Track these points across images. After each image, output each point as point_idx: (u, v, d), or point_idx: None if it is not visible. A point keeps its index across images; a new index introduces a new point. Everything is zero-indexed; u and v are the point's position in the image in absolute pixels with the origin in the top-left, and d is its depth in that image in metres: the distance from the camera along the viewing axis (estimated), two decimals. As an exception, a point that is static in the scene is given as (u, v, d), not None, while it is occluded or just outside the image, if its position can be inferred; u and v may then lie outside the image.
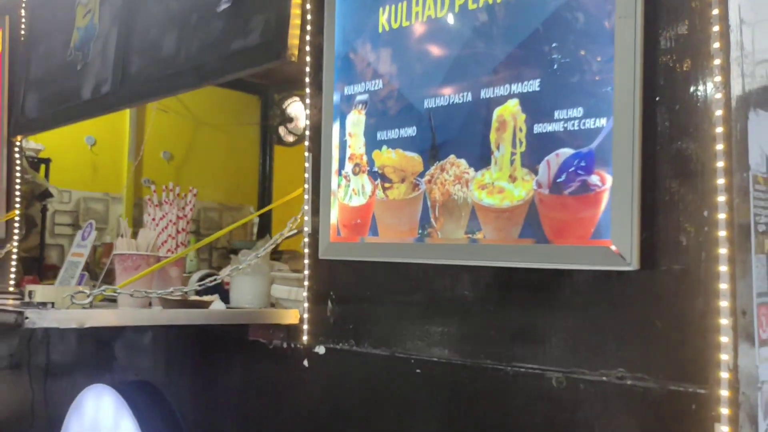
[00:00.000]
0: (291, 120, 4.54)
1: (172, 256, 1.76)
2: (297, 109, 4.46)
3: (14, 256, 2.90)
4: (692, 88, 1.18)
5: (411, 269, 1.54)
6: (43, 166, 3.43)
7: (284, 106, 4.56)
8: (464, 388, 1.44)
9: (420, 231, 1.50)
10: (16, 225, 2.92)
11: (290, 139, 4.58)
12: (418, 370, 1.52)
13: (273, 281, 1.97)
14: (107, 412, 2.18)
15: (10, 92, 2.98)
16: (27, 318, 1.30)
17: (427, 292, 1.51)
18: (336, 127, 1.69)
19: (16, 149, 2.96)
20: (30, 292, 1.42)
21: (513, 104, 1.36)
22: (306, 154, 1.81)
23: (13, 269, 2.88)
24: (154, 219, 1.88)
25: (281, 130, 4.58)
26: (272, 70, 3.97)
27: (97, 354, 2.44)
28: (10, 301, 1.89)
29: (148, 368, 2.24)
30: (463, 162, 1.43)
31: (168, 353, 2.21)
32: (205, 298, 1.81)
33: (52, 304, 1.37)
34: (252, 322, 1.81)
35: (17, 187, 2.93)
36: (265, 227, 4.34)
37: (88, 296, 1.42)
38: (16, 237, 2.90)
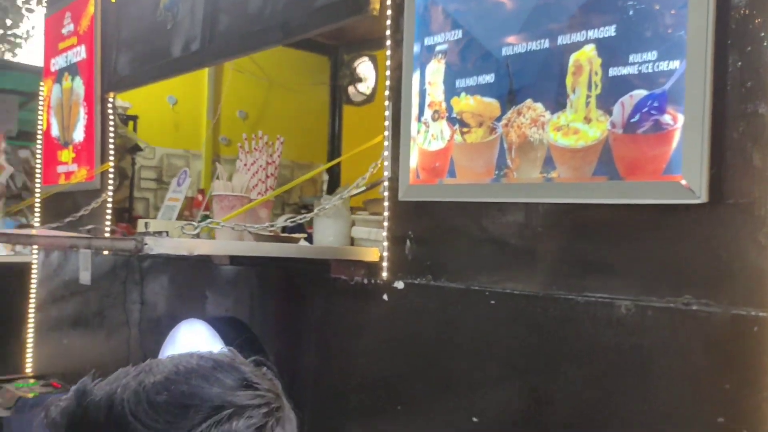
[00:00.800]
0: (360, 80, 4.65)
1: (262, 198, 1.91)
2: (366, 68, 4.57)
3: (109, 206, 3.12)
4: (763, 33, 1.24)
5: (487, 208, 1.64)
6: (131, 123, 3.64)
7: (353, 66, 4.67)
8: (537, 317, 1.55)
9: (496, 172, 1.60)
10: (111, 176, 3.13)
11: (359, 98, 4.69)
12: (492, 302, 1.63)
13: (353, 224, 2.11)
14: (201, 343, 2.38)
15: (103, 52, 3.18)
16: (146, 244, 1.47)
17: (502, 229, 1.62)
18: (416, 77, 1.79)
19: (109, 105, 3.16)
20: (146, 224, 1.58)
21: (589, 49, 1.44)
22: (386, 103, 1.92)
23: (108, 218, 3.11)
24: (245, 164, 2.03)
25: (350, 89, 4.69)
26: (343, 29, 4.10)
27: (188, 292, 2.63)
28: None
29: (237, 305, 2.42)
30: (539, 106, 1.52)
31: (255, 291, 2.38)
32: (294, 235, 1.96)
33: (167, 233, 1.53)
34: (336, 257, 1.95)
35: (111, 140, 3.14)
36: (334, 183, 4.50)
37: (196, 228, 1.58)
38: (110, 188, 3.12)
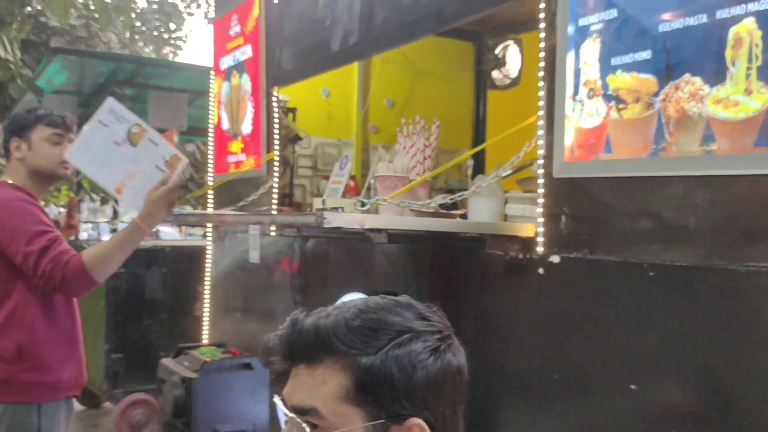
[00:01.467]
0: (504, 64, 4.70)
1: (420, 178, 2.05)
2: (511, 52, 4.61)
3: (275, 191, 3.39)
4: None
5: (645, 182, 1.69)
6: (290, 114, 3.91)
7: (498, 51, 4.73)
8: (696, 288, 1.58)
9: (654, 146, 1.64)
10: (276, 164, 3.40)
11: (504, 82, 4.74)
12: (651, 274, 1.68)
13: (506, 202, 2.21)
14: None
15: (268, 50, 3.45)
16: (325, 218, 1.65)
17: (660, 202, 1.66)
18: (570, 57, 1.86)
19: (274, 99, 3.43)
20: (323, 201, 1.77)
21: (749, 22, 1.45)
22: (540, 84, 2.00)
23: (274, 202, 3.38)
24: (404, 147, 2.18)
25: (495, 74, 4.75)
26: (487, 16, 4.15)
27: (349, 270, 2.84)
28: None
29: (395, 281, 2.58)
30: (697, 80, 1.55)
31: (412, 267, 2.54)
32: (453, 212, 2.08)
33: (342, 208, 1.71)
34: (493, 233, 2.05)
35: (276, 131, 3.42)
36: (478, 168, 4.58)
37: (366, 204, 1.74)
38: (276, 175, 3.39)
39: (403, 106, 4.74)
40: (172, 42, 9.98)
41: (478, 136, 4.98)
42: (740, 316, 1.50)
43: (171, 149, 2.62)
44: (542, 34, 1.99)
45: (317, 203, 1.88)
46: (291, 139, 3.56)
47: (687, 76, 1.57)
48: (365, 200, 1.78)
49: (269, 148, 3.45)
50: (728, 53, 1.49)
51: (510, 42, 4.61)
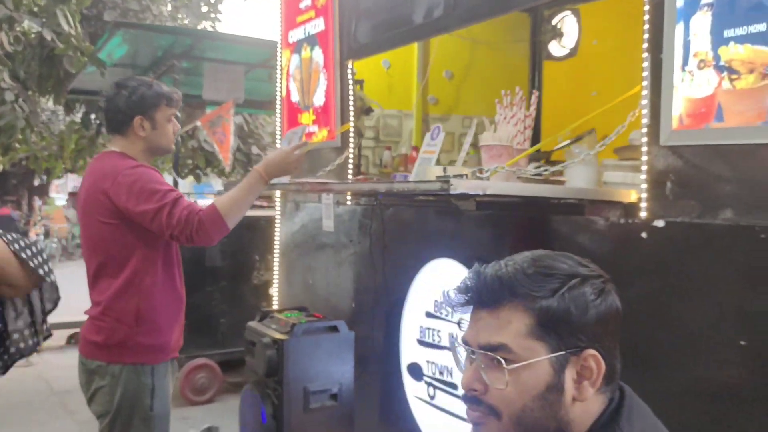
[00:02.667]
0: (561, 35, 4.74)
1: (528, 149, 2.15)
2: (568, 23, 4.65)
3: (350, 161, 3.50)
4: None
5: (758, 149, 1.77)
6: (357, 86, 4.00)
7: (554, 22, 4.76)
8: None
9: (769, 115, 1.72)
10: (351, 135, 3.51)
11: (561, 53, 4.79)
12: (762, 236, 1.76)
13: (604, 170, 2.29)
14: (451, 282, 2.67)
15: (341, 22, 3.53)
16: (451, 185, 1.75)
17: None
18: (680, 28, 1.93)
19: (348, 71, 3.52)
20: (444, 169, 1.87)
21: None
22: (644, 54, 2.07)
23: (350, 172, 3.49)
24: (505, 118, 2.27)
25: (552, 45, 4.79)
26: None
27: (434, 238, 2.94)
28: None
29: (492, 246, 2.67)
30: (818, 50, 1.62)
31: (509, 233, 2.62)
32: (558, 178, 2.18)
33: (466, 176, 1.81)
34: (595, 198, 2.13)
35: (350, 103, 3.51)
36: (535, 138, 4.64)
37: (486, 171, 1.84)
38: (351, 145, 3.50)
39: (462, 78, 4.81)
40: (212, 15, 10.06)
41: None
42: None
43: (301, 135, 2.86)
44: (646, 7, 2.06)
45: (429, 173, 1.98)
46: (364, 110, 3.65)
47: (807, 47, 1.64)
48: (485, 168, 1.88)
49: (344, 120, 3.55)
50: None
51: (567, 13, 4.65)
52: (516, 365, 1.16)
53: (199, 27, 10.07)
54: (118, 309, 2.58)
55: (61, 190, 23.45)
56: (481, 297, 1.21)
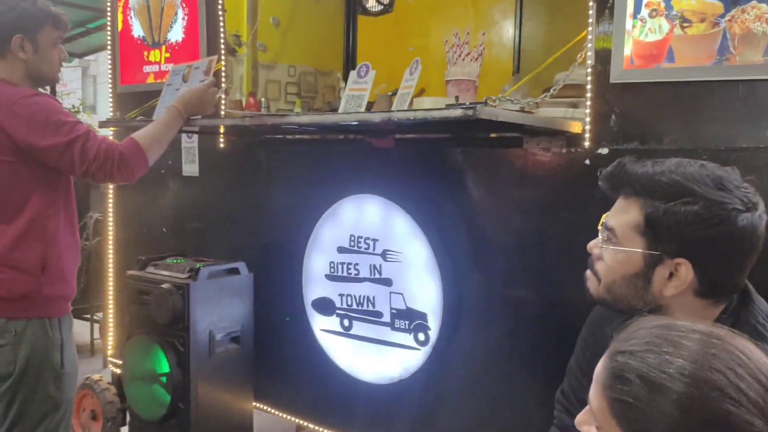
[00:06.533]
0: (379, -10, 4.95)
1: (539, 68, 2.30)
2: (384, -22, 4.86)
3: (225, 99, 3.33)
4: None
5: (706, 85, 2.14)
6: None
7: (371, -24, 4.95)
8: (750, 168, 2.10)
9: (718, 57, 2.11)
10: (223, 73, 3.33)
11: (377, 8, 4.99)
12: (704, 157, 2.16)
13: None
14: (373, 217, 2.75)
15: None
16: (477, 111, 1.87)
17: (721, 101, 2.11)
18: (632, -19, 2.24)
19: (219, 4, 3.33)
20: (456, 98, 1.96)
21: (813, -37, 1.96)
22: (590, 3, 2.35)
23: (222, 113, 3.33)
24: (460, 56, 2.40)
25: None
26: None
27: (346, 175, 2.96)
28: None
29: (403, 185, 2.78)
30: (763, 5, 2.03)
31: (424, 170, 2.76)
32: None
33: (485, 102, 1.92)
34: (541, 125, 2.32)
35: (222, 39, 3.33)
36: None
37: (496, 101, 1.98)
38: (223, 84, 3.33)
39: (287, 26, 4.76)
40: None
41: (349, 59, 5.19)
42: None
43: (205, 60, 2.75)
44: (596, -42, 2.33)
45: (438, 103, 2.05)
46: (235, 46, 3.49)
47: (754, 2, 2.05)
48: (494, 97, 2.01)
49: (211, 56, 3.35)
50: (790, -14, 1.99)
51: (385, -32, 4.86)
52: (615, 248, 1.44)
53: None
54: (19, 258, 2.25)
55: None
56: (616, 184, 1.47)
